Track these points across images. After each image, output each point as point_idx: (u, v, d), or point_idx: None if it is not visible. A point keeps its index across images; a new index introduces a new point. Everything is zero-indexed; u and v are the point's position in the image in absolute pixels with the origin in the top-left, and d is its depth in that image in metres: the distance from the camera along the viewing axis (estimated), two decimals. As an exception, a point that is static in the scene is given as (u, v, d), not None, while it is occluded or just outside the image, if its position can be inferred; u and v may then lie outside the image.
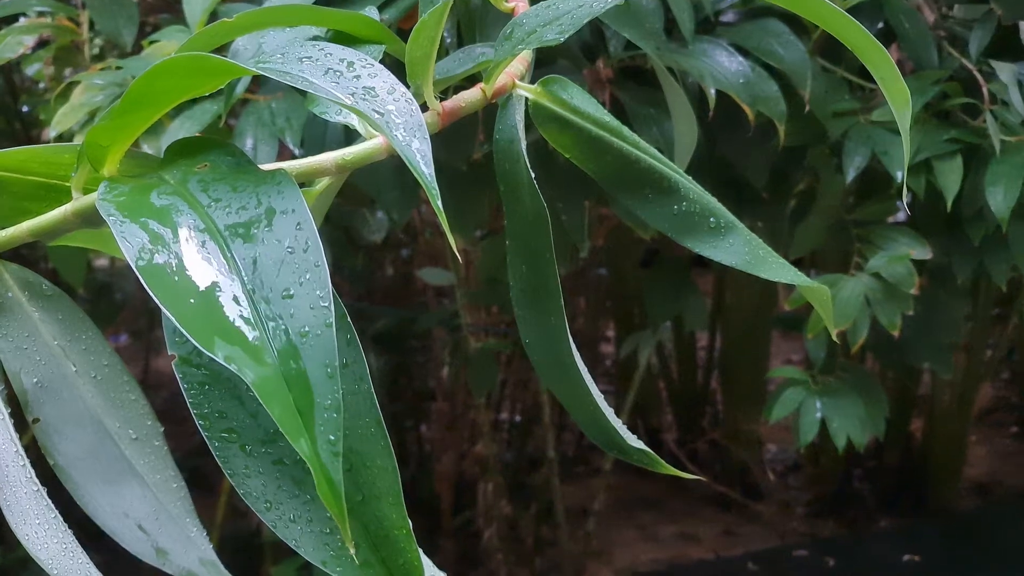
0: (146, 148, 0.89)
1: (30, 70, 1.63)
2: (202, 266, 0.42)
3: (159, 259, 0.42)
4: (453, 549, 2.81)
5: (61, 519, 0.51)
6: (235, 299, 0.41)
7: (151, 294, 0.41)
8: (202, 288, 0.42)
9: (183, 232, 0.44)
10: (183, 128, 1.24)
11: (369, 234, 2.20)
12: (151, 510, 0.58)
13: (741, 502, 3.25)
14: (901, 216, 1.85)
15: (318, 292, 0.41)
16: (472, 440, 2.79)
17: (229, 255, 0.43)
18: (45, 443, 0.56)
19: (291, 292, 0.41)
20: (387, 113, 0.46)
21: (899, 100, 0.58)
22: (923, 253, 1.63)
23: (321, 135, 1.30)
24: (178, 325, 0.40)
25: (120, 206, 0.45)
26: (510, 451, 3.17)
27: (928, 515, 3.15)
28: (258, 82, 1.34)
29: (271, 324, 0.41)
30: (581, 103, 0.61)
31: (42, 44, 1.56)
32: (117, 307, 2.81)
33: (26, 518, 0.50)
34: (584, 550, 2.87)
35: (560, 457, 2.88)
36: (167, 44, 1.34)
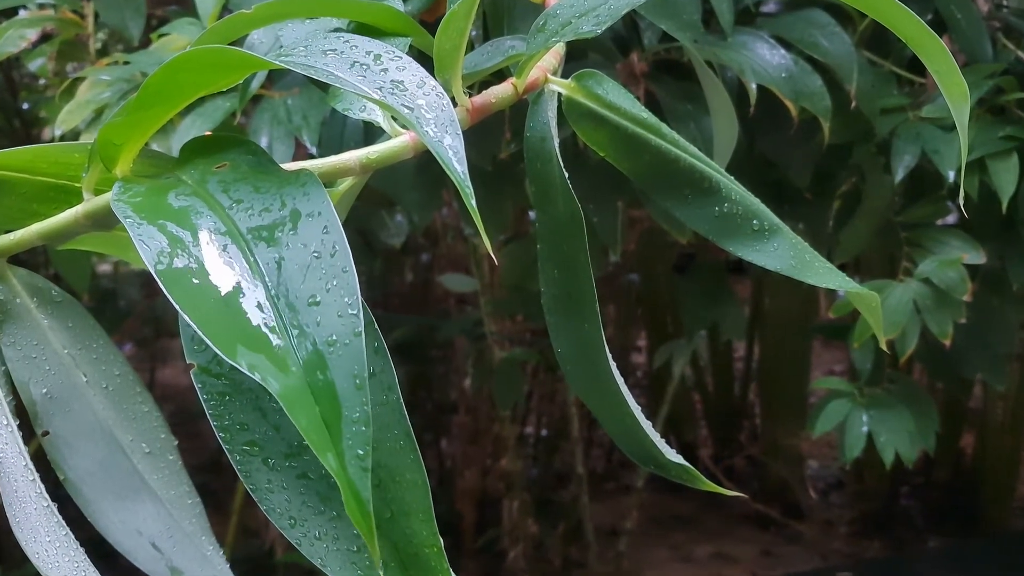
0: (155, 148, 0.90)
1: (32, 65, 1.63)
2: (224, 271, 0.42)
3: (179, 263, 0.42)
4: (476, 570, 2.81)
5: (72, 536, 0.51)
6: (259, 305, 0.41)
7: (171, 300, 0.41)
8: (224, 293, 0.42)
9: (203, 235, 0.44)
10: (195, 126, 1.24)
11: (387, 238, 2.19)
12: (165, 527, 0.58)
13: (781, 521, 3.24)
14: (950, 219, 1.85)
15: (346, 299, 0.41)
16: (496, 455, 2.79)
17: (252, 259, 0.43)
18: (55, 457, 0.56)
19: (317, 299, 0.42)
20: (417, 108, 0.46)
21: (956, 94, 0.58)
22: (976, 257, 1.62)
23: (339, 134, 1.30)
24: (200, 332, 0.40)
25: (136, 207, 0.45)
26: (536, 467, 3.17)
27: (979, 535, 3.13)
28: (272, 78, 1.34)
29: (296, 332, 0.41)
30: (617, 99, 0.61)
31: (44, 38, 1.56)
32: (121, 315, 2.82)
33: (36, 535, 0.50)
34: (615, 571, 2.87)
35: (589, 474, 2.88)
36: (177, 38, 1.34)
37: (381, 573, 0.44)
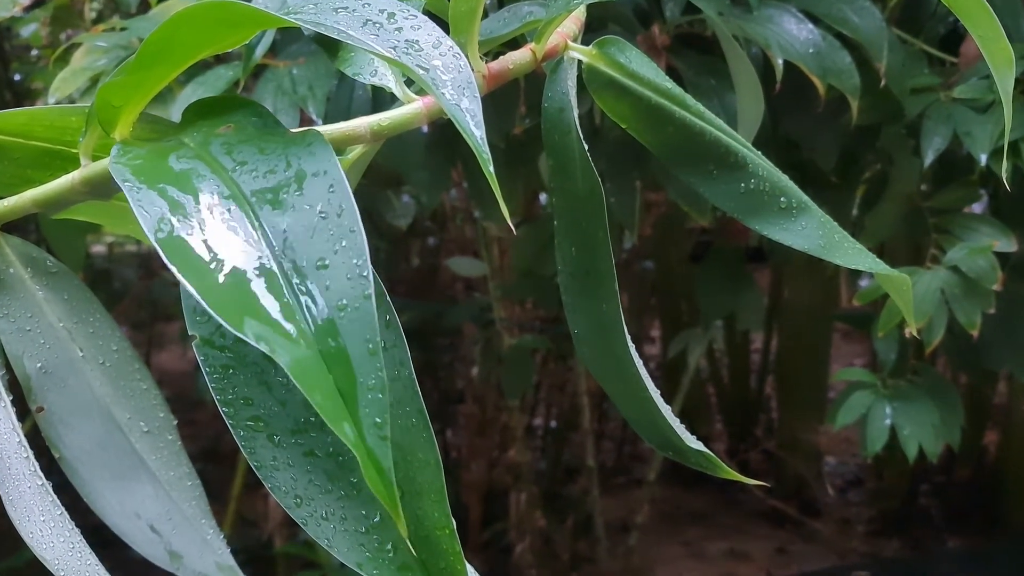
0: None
1: (25, 31, 1.63)
2: (228, 236, 0.42)
3: (180, 230, 0.42)
4: (482, 565, 2.81)
5: (67, 516, 0.50)
6: (265, 272, 0.41)
7: (172, 269, 0.40)
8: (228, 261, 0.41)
9: (205, 199, 0.43)
10: (195, 95, 1.23)
11: (393, 219, 2.19)
12: (164, 509, 0.57)
13: (796, 518, 3.24)
14: (976, 207, 1.84)
15: (355, 260, 0.41)
16: (503, 447, 2.79)
17: (257, 223, 0.42)
18: (50, 434, 0.56)
19: (326, 261, 0.41)
20: (433, 69, 0.46)
21: (1001, 61, 0.57)
22: (1007, 245, 1.61)
23: (345, 107, 1.30)
24: (203, 303, 0.39)
25: (136, 171, 0.45)
26: (545, 459, 3.17)
27: (1001, 536, 3.13)
28: (276, 47, 1.33)
29: (305, 298, 0.40)
30: (640, 68, 0.60)
31: (38, 3, 1.56)
32: (116, 297, 2.82)
33: (30, 515, 0.50)
34: (625, 567, 2.86)
35: (599, 466, 2.88)
36: (177, 3, 1.33)
37: (411, 547, 0.44)
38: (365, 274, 0.40)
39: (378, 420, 0.38)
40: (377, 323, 0.40)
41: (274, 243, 0.41)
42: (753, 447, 3.47)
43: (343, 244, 0.41)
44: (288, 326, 0.39)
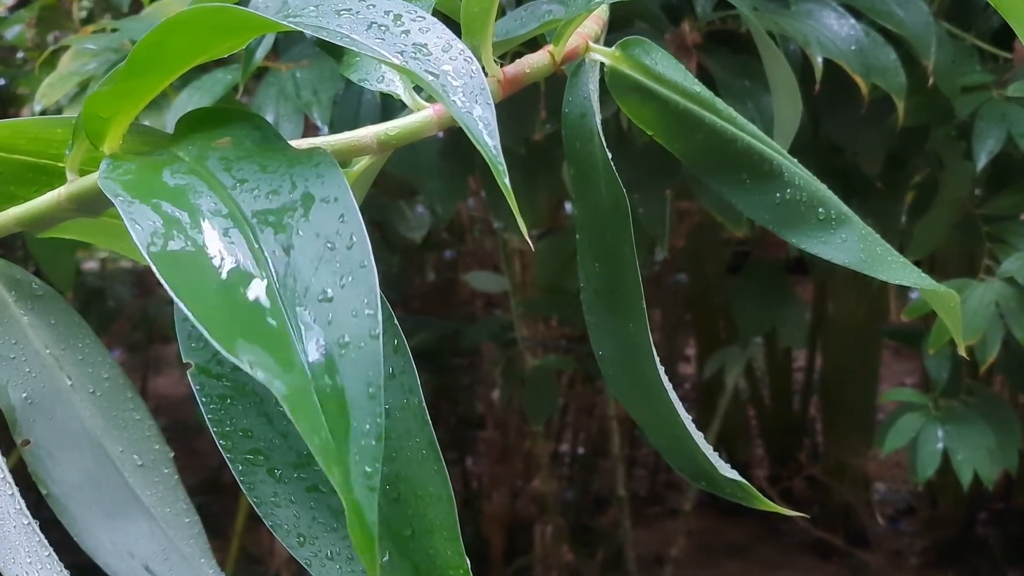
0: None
1: (9, 33, 1.63)
2: (225, 256, 0.42)
3: (175, 245, 0.42)
4: (505, 603, 2.81)
5: (56, 558, 0.50)
6: (263, 297, 0.41)
7: (166, 286, 0.40)
8: (225, 281, 0.41)
9: (202, 216, 0.43)
10: (192, 101, 1.23)
11: (407, 231, 2.19)
12: (160, 548, 0.57)
13: (844, 550, 3.22)
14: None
15: (363, 298, 0.41)
16: (527, 475, 2.78)
17: (257, 246, 0.42)
18: (36, 469, 0.56)
19: (330, 295, 0.41)
20: (443, 74, 0.46)
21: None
22: (1067, 255, 1.61)
23: (353, 113, 1.30)
24: (196, 322, 0.39)
25: (127, 185, 0.45)
26: (572, 488, 3.16)
27: (1067, 567, 3.12)
28: (278, 49, 1.33)
29: (304, 330, 0.40)
30: (667, 70, 0.60)
31: (23, 3, 1.56)
32: (110, 316, 2.81)
33: (15, 555, 0.50)
34: (659, 605, 2.86)
35: (631, 496, 2.87)
36: (172, 3, 1.34)
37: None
38: (372, 312, 0.40)
39: (368, 469, 0.38)
40: (382, 366, 0.39)
41: (274, 269, 0.41)
42: (797, 473, 3.45)
43: (351, 279, 0.41)
44: (285, 354, 0.39)
